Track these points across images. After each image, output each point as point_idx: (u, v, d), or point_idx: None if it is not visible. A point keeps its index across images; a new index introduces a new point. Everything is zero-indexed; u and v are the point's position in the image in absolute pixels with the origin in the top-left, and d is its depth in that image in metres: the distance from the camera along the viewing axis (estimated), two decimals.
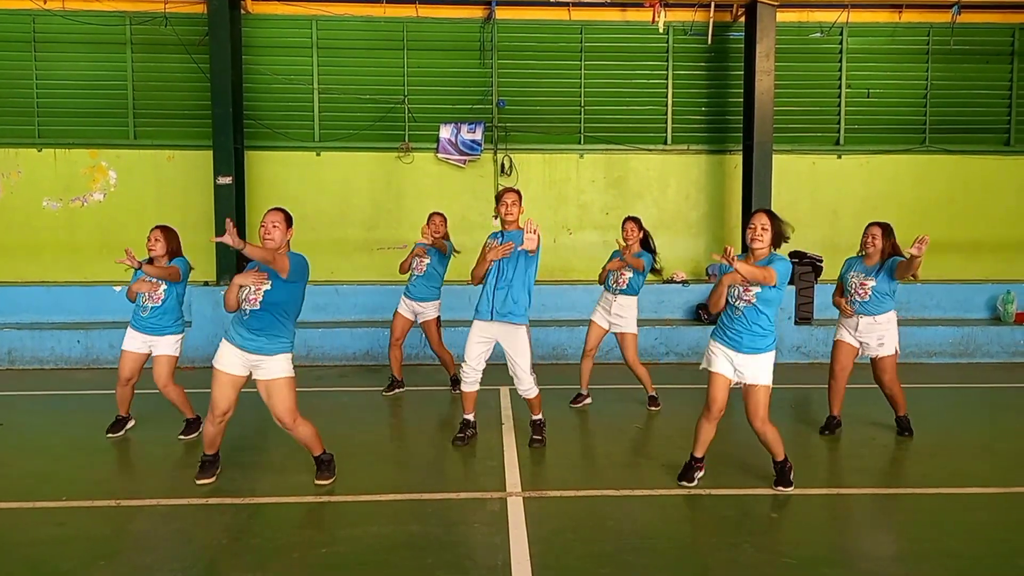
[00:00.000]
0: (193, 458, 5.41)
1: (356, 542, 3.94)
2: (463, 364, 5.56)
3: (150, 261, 5.60)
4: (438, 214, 7.10)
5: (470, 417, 5.70)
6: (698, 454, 4.76)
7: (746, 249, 4.64)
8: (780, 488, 4.66)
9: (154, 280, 5.55)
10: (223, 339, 4.58)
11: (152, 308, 5.60)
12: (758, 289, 4.47)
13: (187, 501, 4.50)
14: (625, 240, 6.43)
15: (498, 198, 5.55)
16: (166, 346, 5.68)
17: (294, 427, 4.62)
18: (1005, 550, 3.88)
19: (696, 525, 4.31)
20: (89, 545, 3.91)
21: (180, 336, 5.77)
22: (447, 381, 7.50)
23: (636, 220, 6.48)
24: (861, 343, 5.75)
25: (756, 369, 4.55)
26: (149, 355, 5.73)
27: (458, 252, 7.24)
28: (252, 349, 4.47)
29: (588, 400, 6.76)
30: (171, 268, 5.55)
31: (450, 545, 3.90)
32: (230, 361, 4.52)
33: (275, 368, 4.50)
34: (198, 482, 4.70)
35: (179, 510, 4.39)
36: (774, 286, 4.42)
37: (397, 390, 7.31)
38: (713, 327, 4.78)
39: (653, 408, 6.62)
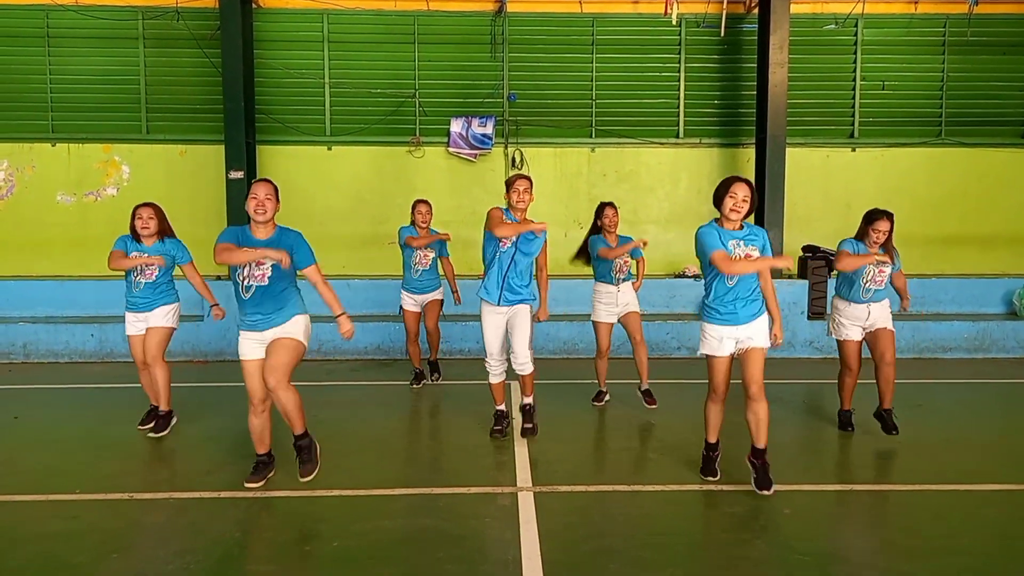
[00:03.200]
0: (205, 452, 5.45)
1: (367, 536, 3.95)
2: (487, 359, 5.55)
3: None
4: (424, 202, 7.14)
5: (503, 408, 5.72)
6: (712, 439, 4.72)
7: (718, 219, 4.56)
8: (761, 490, 4.45)
9: (147, 256, 5.56)
10: (240, 331, 4.54)
11: (145, 284, 5.59)
12: (755, 252, 4.43)
13: (199, 494, 4.52)
14: (608, 227, 6.31)
15: (509, 184, 5.45)
16: (158, 317, 5.65)
17: (276, 387, 4.36)
18: (1019, 547, 3.84)
19: (707, 520, 4.29)
20: (102, 538, 3.94)
21: (173, 306, 5.73)
22: (456, 376, 7.50)
23: (615, 206, 6.40)
24: (864, 329, 5.61)
25: (759, 333, 4.52)
26: None
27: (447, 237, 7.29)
28: (265, 327, 4.44)
29: (608, 397, 6.69)
30: (196, 276, 5.72)
31: (461, 539, 3.90)
32: (251, 348, 4.49)
33: (287, 329, 4.46)
34: (247, 484, 4.60)
35: (191, 503, 4.41)
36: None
37: (424, 381, 7.41)
38: (704, 310, 4.69)
39: (652, 406, 6.39)
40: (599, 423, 6.23)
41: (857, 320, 5.60)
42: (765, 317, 4.58)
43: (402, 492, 4.58)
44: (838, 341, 5.75)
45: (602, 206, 6.37)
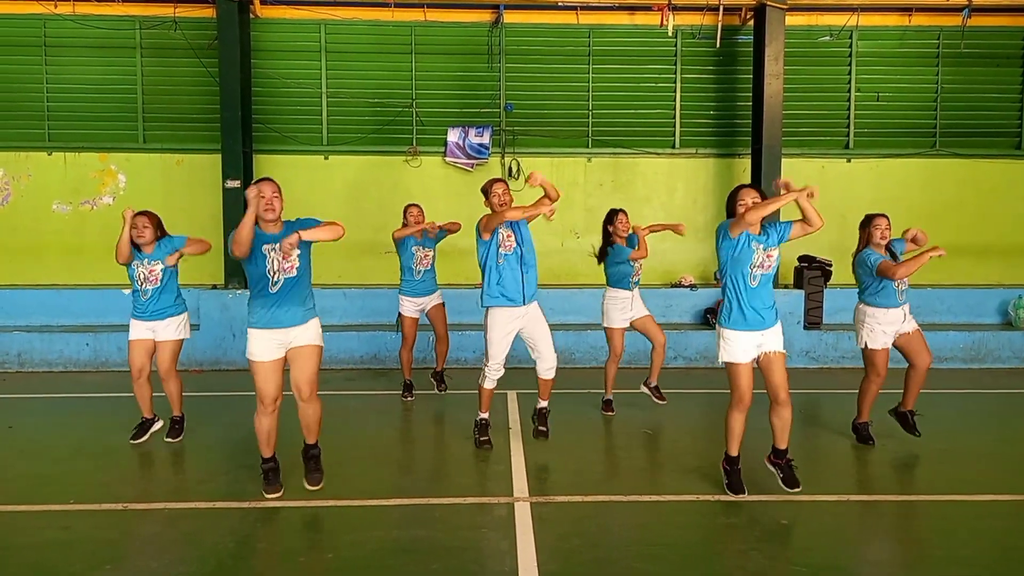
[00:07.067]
0: (200, 461, 5.42)
1: (362, 547, 3.92)
2: (489, 363, 5.41)
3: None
4: (414, 205, 7.18)
5: (487, 416, 5.63)
6: (734, 452, 4.63)
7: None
8: (791, 489, 4.55)
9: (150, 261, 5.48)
10: (250, 330, 4.45)
11: (152, 290, 5.49)
12: (776, 252, 4.47)
13: (193, 505, 4.50)
14: (620, 232, 6.43)
15: (487, 191, 5.37)
16: (170, 330, 5.58)
17: (310, 400, 4.54)
18: (1018, 557, 3.84)
19: (705, 531, 4.28)
20: (95, 548, 3.92)
21: (182, 316, 5.66)
22: (451, 385, 7.45)
23: (625, 212, 6.53)
24: (898, 332, 5.55)
25: (777, 337, 4.56)
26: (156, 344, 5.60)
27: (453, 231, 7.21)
28: (289, 323, 4.43)
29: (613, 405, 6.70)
30: (203, 241, 5.67)
31: (457, 551, 3.88)
32: (265, 347, 4.42)
33: (309, 335, 4.51)
34: (268, 495, 4.52)
35: (185, 514, 4.39)
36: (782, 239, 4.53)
37: (415, 392, 7.33)
38: (724, 316, 4.54)
39: (662, 402, 6.59)
40: (595, 433, 6.21)
41: (894, 324, 5.52)
42: (780, 325, 4.60)
43: (397, 502, 4.56)
44: (870, 350, 5.55)
45: (613, 212, 6.48)
